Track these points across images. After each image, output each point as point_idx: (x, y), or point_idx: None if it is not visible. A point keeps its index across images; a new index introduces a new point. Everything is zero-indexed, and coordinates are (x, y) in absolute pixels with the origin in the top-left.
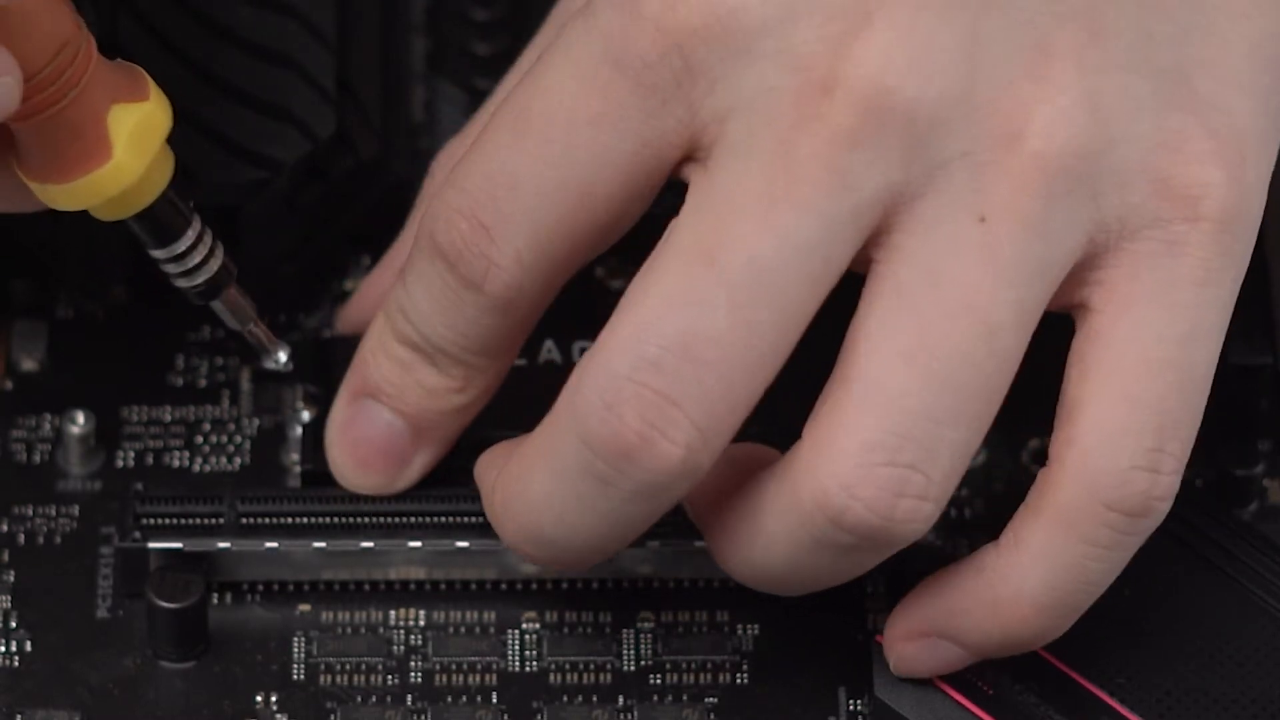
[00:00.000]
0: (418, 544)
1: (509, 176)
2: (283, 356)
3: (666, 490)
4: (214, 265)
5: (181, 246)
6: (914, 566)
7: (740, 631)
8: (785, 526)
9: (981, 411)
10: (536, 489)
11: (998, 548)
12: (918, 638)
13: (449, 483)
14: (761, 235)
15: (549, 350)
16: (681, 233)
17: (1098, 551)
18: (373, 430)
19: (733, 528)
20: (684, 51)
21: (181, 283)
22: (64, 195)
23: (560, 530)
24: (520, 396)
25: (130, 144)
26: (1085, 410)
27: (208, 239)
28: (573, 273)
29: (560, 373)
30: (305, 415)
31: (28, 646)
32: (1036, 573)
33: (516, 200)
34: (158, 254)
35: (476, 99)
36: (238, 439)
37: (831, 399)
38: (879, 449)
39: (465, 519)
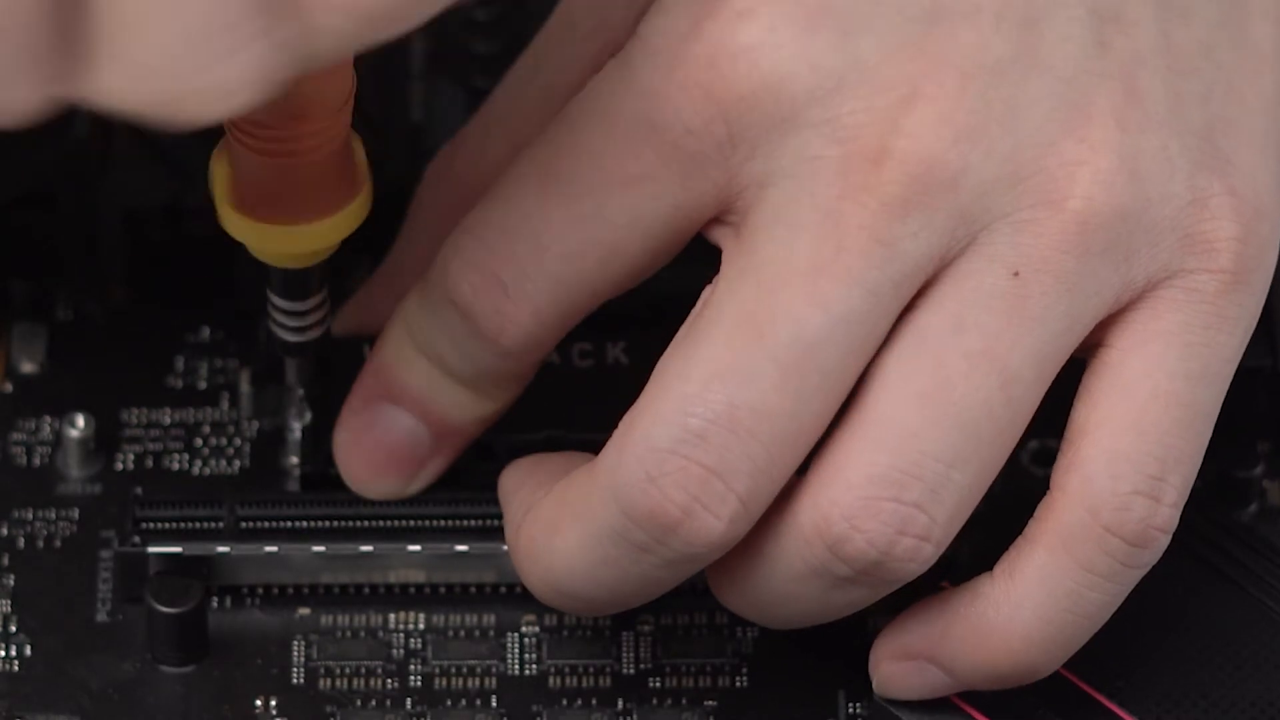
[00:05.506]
0: (417, 548)
1: (532, 233)
2: (301, 424)
3: (702, 559)
4: (320, 330)
5: (309, 305)
6: None
7: (740, 634)
8: (782, 552)
9: (992, 458)
10: (566, 544)
11: (993, 576)
12: (905, 659)
13: (448, 486)
14: (809, 306)
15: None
16: (724, 303)
17: (1094, 580)
18: (393, 436)
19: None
20: (728, 119)
21: (282, 333)
22: (314, 234)
23: (586, 586)
24: (521, 397)
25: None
26: (1091, 437)
27: (327, 304)
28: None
29: (559, 373)
30: (305, 418)
31: (27, 650)
32: (1031, 602)
33: (539, 259)
34: (282, 304)
35: (476, 98)
36: (237, 442)
37: (842, 432)
38: (886, 484)
39: (465, 522)
